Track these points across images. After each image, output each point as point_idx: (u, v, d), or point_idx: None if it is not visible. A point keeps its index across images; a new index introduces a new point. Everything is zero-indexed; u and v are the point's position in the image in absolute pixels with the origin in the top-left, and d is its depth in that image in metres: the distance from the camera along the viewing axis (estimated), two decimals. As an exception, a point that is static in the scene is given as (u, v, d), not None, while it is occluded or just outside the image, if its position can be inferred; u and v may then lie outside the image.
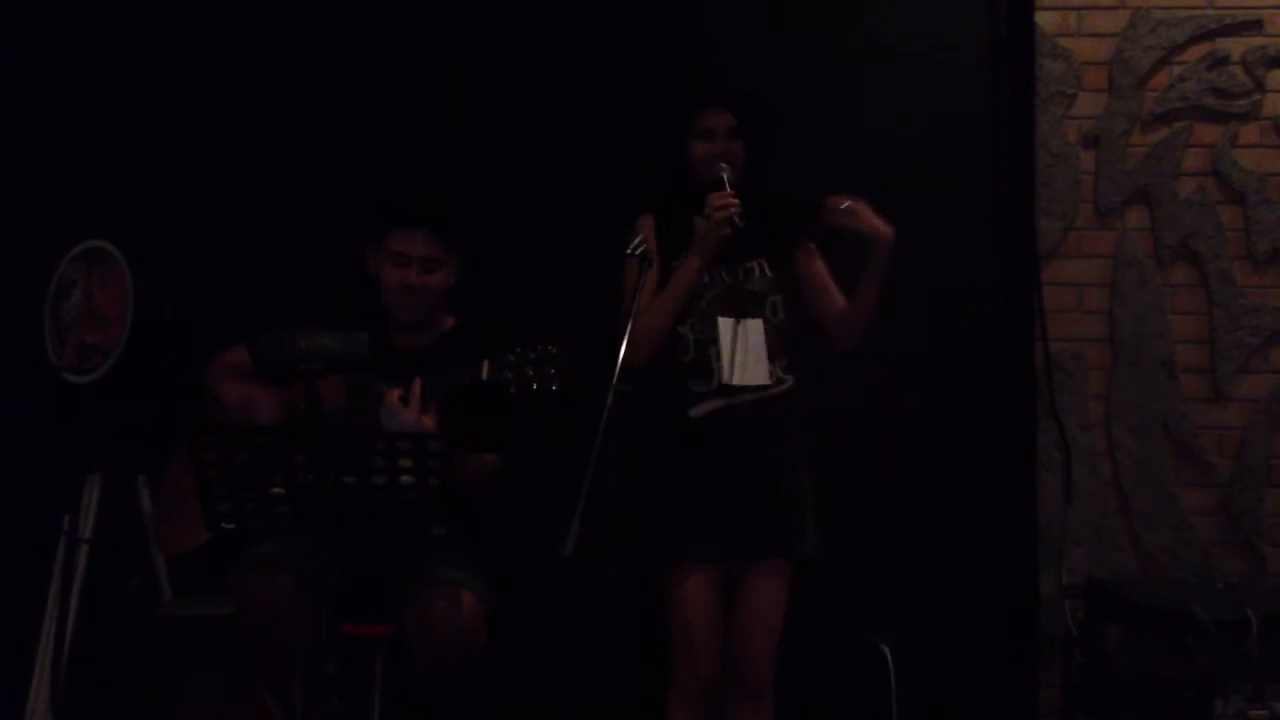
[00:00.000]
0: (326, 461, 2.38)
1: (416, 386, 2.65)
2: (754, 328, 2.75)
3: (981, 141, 3.62)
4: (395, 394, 2.66)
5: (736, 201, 2.71)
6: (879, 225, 2.73)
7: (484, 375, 2.61)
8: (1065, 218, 3.61)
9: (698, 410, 2.75)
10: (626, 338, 2.50)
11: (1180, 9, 3.61)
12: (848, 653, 3.37)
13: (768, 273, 2.83)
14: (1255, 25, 3.61)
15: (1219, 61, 3.61)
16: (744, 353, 2.72)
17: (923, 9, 3.64)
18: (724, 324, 2.74)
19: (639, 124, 3.56)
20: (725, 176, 2.75)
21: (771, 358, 2.76)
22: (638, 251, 2.68)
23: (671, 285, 2.76)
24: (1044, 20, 3.62)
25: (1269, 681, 3.02)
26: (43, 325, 3.29)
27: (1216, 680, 3.03)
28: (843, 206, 2.72)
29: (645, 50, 3.60)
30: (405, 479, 2.43)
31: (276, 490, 2.46)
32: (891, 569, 3.45)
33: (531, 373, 2.57)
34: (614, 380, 2.53)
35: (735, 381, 2.72)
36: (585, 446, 2.40)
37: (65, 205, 3.57)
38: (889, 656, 3.27)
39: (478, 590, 2.66)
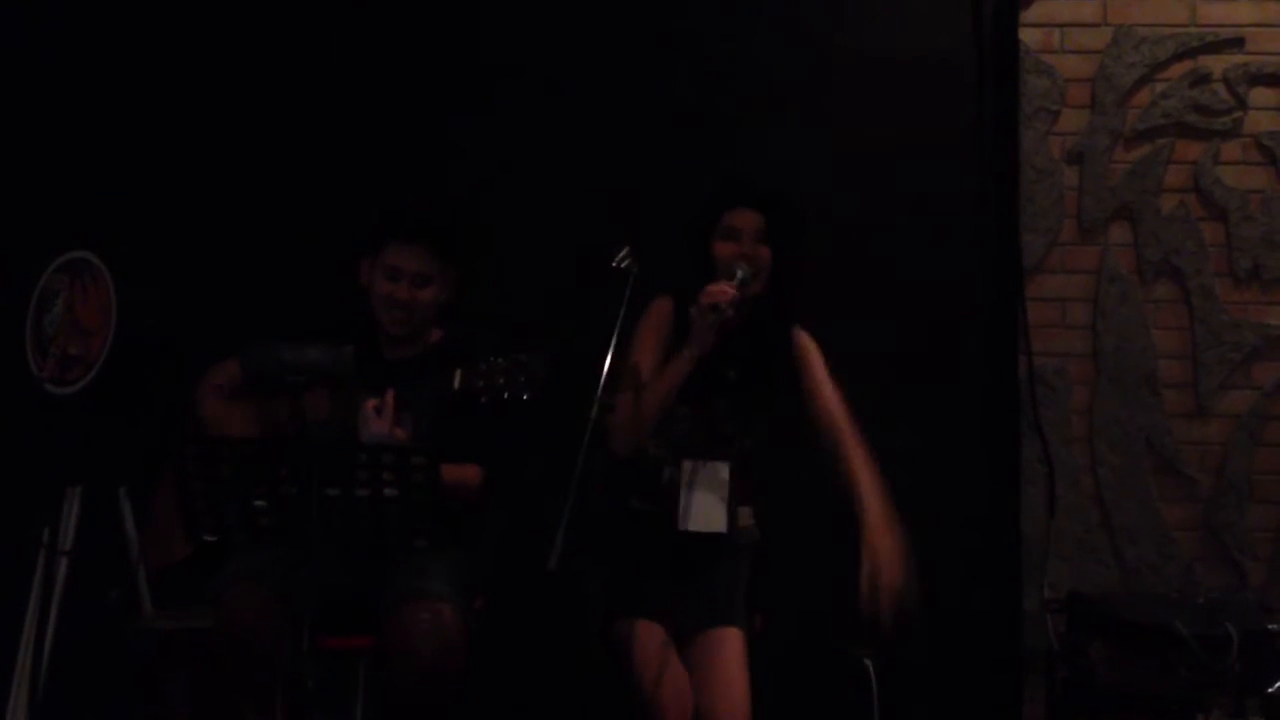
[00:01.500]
0: (310, 474, 2.37)
1: (389, 397, 2.65)
2: (718, 470, 2.69)
3: (966, 157, 3.63)
4: (371, 404, 2.66)
5: (732, 291, 2.58)
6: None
7: (456, 385, 2.61)
8: (1049, 233, 3.63)
9: (639, 504, 2.73)
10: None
11: (1163, 27, 3.64)
12: (830, 665, 3.37)
13: (749, 413, 2.75)
14: (1237, 43, 3.64)
15: (1201, 79, 3.63)
16: (705, 496, 2.67)
17: (908, 25, 3.65)
18: (687, 467, 2.68)
19: (623, 137, 3.58)
20: (740, 274, 2.63)
21: (730, 497, 2.70)
22: (623, 265, 2.68)
23: (665, 375, 2.64)
24: (1028, 37, 3.65)
25: (1249, 696, 3.03)
26: (24, 336, 3.27)
27: (1198, 695, 3.03)
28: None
29: (633, 62, 3.62)
30: (388, 491, 2.43)
31: (259, 502, 2.45)
32: (875, 583, 3.45)
33: (502, 381, 2.56)
34: (599, 393, 2.53)
35: (693, 528, 2.66)
36: (570, 459, 2.40)
37: (49, 215, 3.56)
38: (871, 670, 3.26)
39: (459, 603, 2.65)
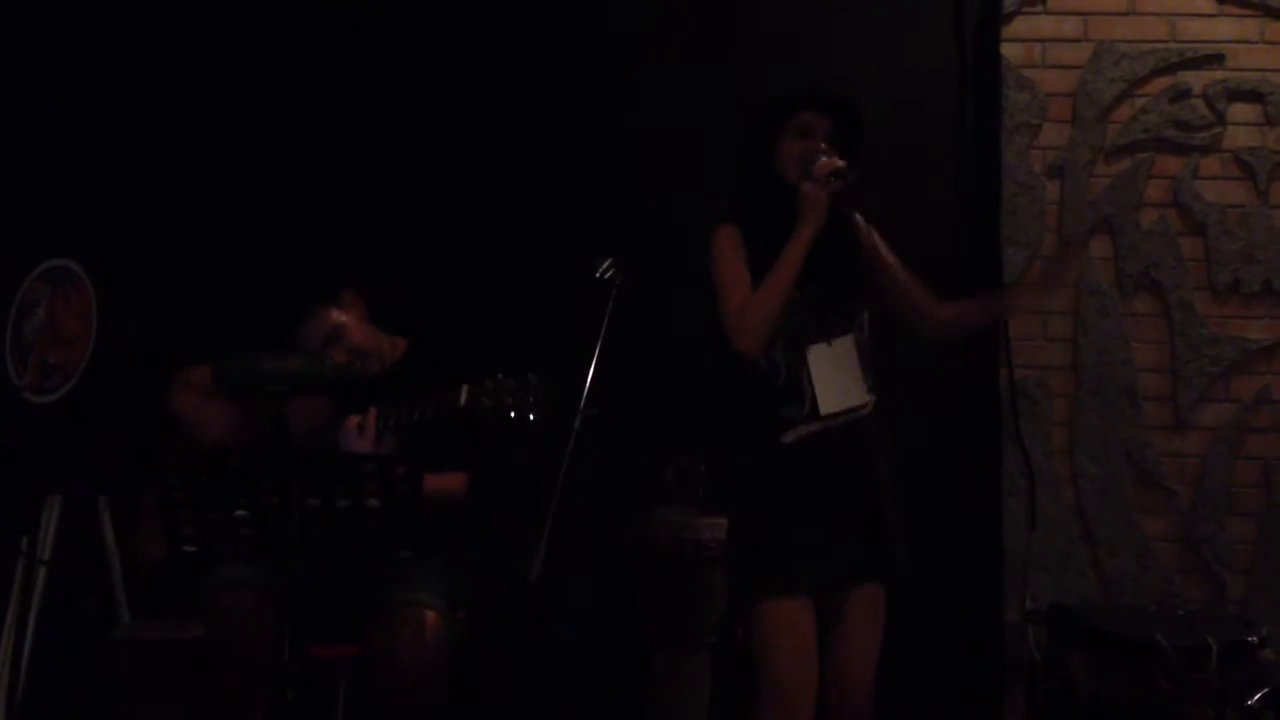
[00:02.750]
0: (291, 484, 2.36)
1: (371, 416, 2.65)
2: (845, 346, 2.61)
3: (948, 170, 3.65)
4: (353, 421, 2.65)
5: (842, 163, 2.53)
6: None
7: (462, 401, 2.60)
8: (1030, 246, 3.65)
9: (790, 436, 2.58)
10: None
11: (1143, 42, 3.66)
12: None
13: (852, 289, 2.66)
14: (1216, 59, 3.67)
15: (1181, 94, 3.66)
16: (838, 376, 2.58)
17: (890, 40, 3.67)
18: (814, 351, 2.58)
19: (608, 148, 3.58)
20: (848, 170, 2.55)
21: (862, 375, 2.63)
22: (606, 276, 2.68)
23: (784, 261, 2.52)
24: (1010, 52, 3.67)
25: (1229, 708, 3.04)
26: (4, 344, 3.25)
27: (1178, 707, 3.04)
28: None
29: (610, 75, 3.62)
30: (370, 502, 2.42)
31: (240, 512, 2.44)
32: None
33: (511, 400, 2.56)
34: (581, 404, 2.54)
35: (833, 409, 2.57)
36: (555, 468, 2.40)
37: (31, 223, 3.54)
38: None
39: (443, 612, 2.65)
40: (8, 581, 3.15)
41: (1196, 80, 3.66)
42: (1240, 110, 3.66)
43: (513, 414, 2.55)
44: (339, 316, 2.90)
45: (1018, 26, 3.68)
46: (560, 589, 2.59)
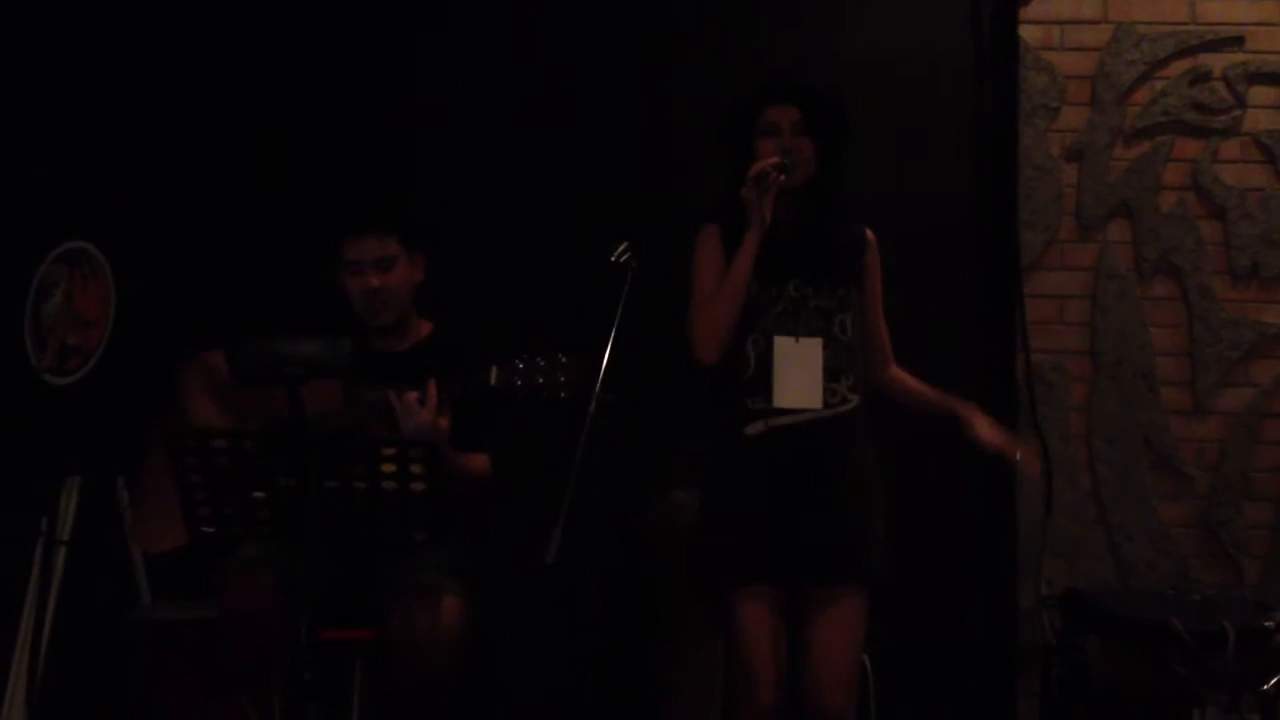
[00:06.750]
0: (309, 467, 2.37)
1: (432, 388, 2.64)
2: (811, 347, 2.64)
3: (965, 154, 3.64)
4: (413, 396, 2.64)
5: (776, 158, 2.59)
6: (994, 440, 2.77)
7: (492, 381, 2.61)
8: (1048, 230, 3.64)
9: (753, 428, 2.62)
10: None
11: (1163, 24, 3.64)
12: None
13: (838, 289, 2.69)
14: (1237, 41, 3.64)
15: (1200, 77, 3.64)
16: (799, 373, 2.61)
17: (906, 23, 3.66)
18: (780, 343, 2.63)
19: (622, 134, 3.58)
20: (784, 161, 2.61)
21: (836, 377, 2.64)
22: (622, 259, 2.68)
23: (733, 269, 2.61)
24: (1028, 34, 3.65)
25: (1245, 692, 3.04)
26: (23, 326, 3.27)
27: (1193, 691, 3.04)
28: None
29: (623, 61, 3.62)
30: (387, 484, 2.43)
31: (258, 495, 2.45)
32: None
33: (542, 380, 2.58)
34: (597, 389, 2.54)
35: (786, 404, 2.60)
36: (571, 453, 2.41)
37: (49, 205, 3.55)
38: (868, 666, 3.27)
39: (460, 596, 2.66)
40: (27, 562, 3.17)
41: (1216, 63, 3.64)
42: (1260, 93, 3.63)
43: (544, 394, 2.56)
44: (385, 249, 2.87)
45: (1036, 8, 3.66)
46: (573, 573, 2.59)
